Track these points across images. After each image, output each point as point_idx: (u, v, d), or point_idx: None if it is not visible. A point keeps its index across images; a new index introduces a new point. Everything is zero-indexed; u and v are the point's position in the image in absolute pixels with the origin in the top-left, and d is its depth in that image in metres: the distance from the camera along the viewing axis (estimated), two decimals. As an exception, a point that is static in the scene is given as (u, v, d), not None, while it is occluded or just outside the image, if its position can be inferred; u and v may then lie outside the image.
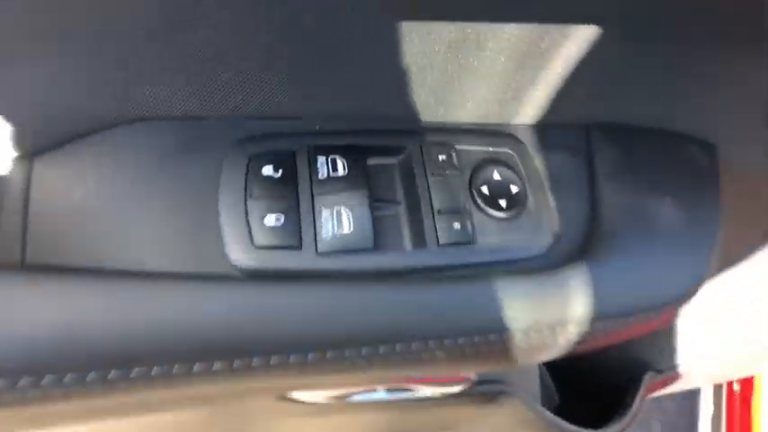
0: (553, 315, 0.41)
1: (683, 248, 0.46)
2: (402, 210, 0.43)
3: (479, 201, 0.43)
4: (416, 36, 0.37)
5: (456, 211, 0.42)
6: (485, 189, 0.43)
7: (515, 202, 0.43)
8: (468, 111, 0.45)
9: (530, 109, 0.46)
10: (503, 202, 0.43)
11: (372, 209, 0.40)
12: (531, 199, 0.44)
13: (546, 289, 0.41)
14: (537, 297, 0.40)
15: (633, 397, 0.86)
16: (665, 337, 0.77)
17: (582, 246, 0.44)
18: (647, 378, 0.88)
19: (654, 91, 0.46)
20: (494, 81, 0.43)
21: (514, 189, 0.44)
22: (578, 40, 0.40)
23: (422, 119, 0.45)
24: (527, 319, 0.40)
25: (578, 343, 0.45)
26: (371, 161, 0.43)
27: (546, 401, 0.91)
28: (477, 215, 0.43)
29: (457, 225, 0.41)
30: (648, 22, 0.39)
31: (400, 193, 0.43)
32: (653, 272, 0.44)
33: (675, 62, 0.43)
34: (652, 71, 0.44)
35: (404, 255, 0.40)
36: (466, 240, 0.41)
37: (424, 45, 0.38)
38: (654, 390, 0.96)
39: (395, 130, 0.44)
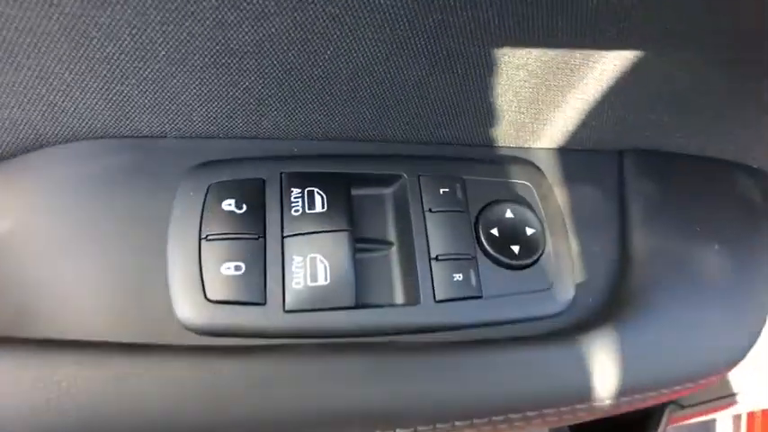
0: (574, 392, 0.33)
1: (735, 304, 0.38)
2: (393, 254, 0.35)
3: (487, 245, 0.35)
4: (415, 42, 0.30)
5: (458, 258, 0.34)
6: (495, 231, 0.36)
7: (531, 248, 0.36)
8: (478, 133, 0.38)
9: (552, 132, 0.38)
10: (515, 248, 0.36)
11: (355, 254, 0.33)
12: (549, 244, 0.37)
13: (566, 359, 0.33)
14: (555, 370, 0.33)
15: (652, 434, 0.79)
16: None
17: (610, 302, 0.37)
18: (668, 412, 0.80)
19: (701, 116, 0.38)
20: (510, 99, 0.35)
21: (530, 231, 0.36)
22: (617, 57, 0.32)
23: (421, 142, 0.38)
24: (542, 398, 0.33)
25: (602, 415, 0.37)
26: (357, 191, 0.36)
27: (555, 434, 0.84)
28: (483, 263, 0.35)
29: (458, 276, 0.34)
30: (696, 39, 0.32)
31: (392, 233, 0.36)
32: (697, 336, 0.36)
33: (728, 84, 0.36)
34: (700, 93, 0.36)
35: (392, 312, 0.33)
36: (469, 295, 0.34)
37: (426, 54, 0.31)
38: (674, 422, 0.89)
39: (388, 155, 0.37)
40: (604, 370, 0.34)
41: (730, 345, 0.38)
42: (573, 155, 0.40)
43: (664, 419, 0.80)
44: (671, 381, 0.36)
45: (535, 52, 0.31)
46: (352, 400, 0.29)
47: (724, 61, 0.34)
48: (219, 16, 0.27)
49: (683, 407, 0.81)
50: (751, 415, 1.21)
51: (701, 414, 0.81)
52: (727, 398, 0.81)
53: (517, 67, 0.32)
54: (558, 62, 0.32)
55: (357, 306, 0.32)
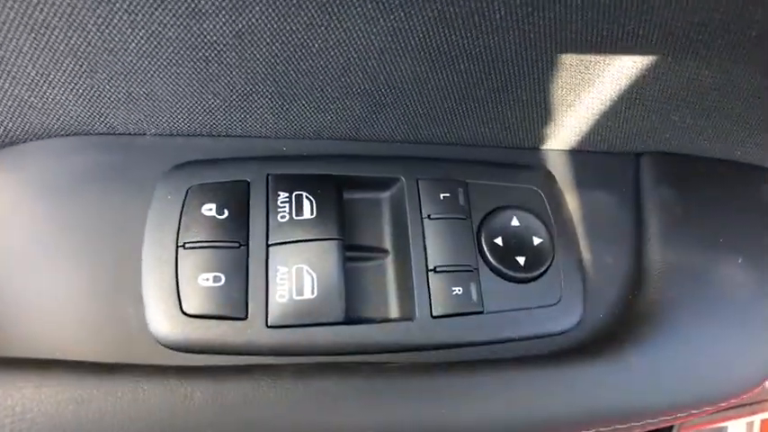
0: (580, 417, 0.31)
1: (759, 322, 0.35)
2: (388, 263, 0.33)
3: (490, 256, 0.32)
4: (412, 35, 0.27)
5: (458, 270, 0.32)
6: (499, 240, 0.33)
7: (538, 260, 0.33)
8: (482, 133, 0.35)
9: (564, 133, 0.35)
10: (521, 260, 0.33)
11: (345, 265, 0.30)
12: (558, 255, 0.34)
13: (573, 381, 0.31)
14: (560, 392, 0.30)
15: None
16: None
17: (623, 319, 0.34)
18: (678, 428, 0.78)
19: (728, 118, 0.35)
20: (518, 97, 0.32)
21: (537, 241, 0.33)
22: (637, 53, 0.29)
23: (421, 142, 0.35)
24: (545, 423, 0.30)
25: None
26: (351, 195, 0.33)
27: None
28: (486, 275, 0.32)
29: (458, 289, 0.31)
30: (725, 34, 0.28)
31: (387, 241, 0.33)
32: (717, 356, 0.34)
33: (758, 83, 0.32)
34: (727, 94, 0.33)
35: (384, 329, 0.30)
36: (469, 310, 0.31)
37: (424, 48, 0.28)
38: (689, 428, 0.86)
39: (385, 157, 0.34)
40: (614, 393, 0.31)
41: (753, 365, 0.35)
42: (586, 157, 0.37)
43: (675, 427, 0.77)
44: (687, 404, 0.33)
45: (546, 47, 0.28)
46: (336, 427, 0.27)
47: (754, 59, 0.31)
48: (192, 5, 0.24)
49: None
50: (765, 422, 1.18)
51: (713, 423, 0.78)
52: (743, 407, 0.78)
53: (526, 63, 0.29)
54: (571, 58, 0.29)
55: (346, 321, 0.30)
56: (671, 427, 0.77)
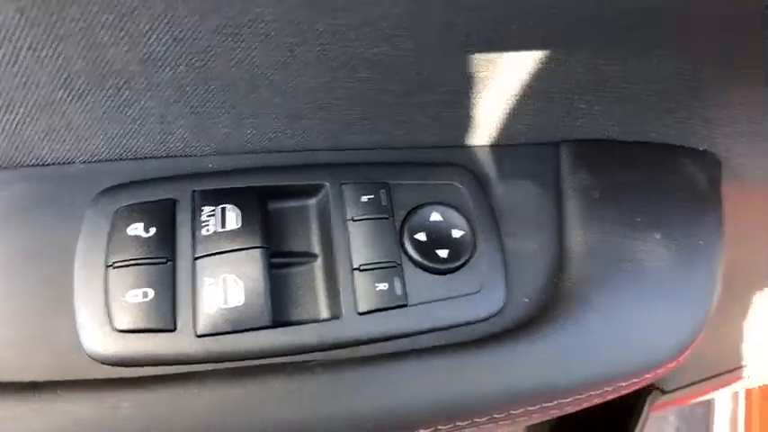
0: (508, 397, 0.32)
1: (678, 297, 0.37)
2: (317, 267, 0.34)
3: (413, 251, 0.34)
4: (308, 48, 0.29)
5: (381, 267, 0.33)
6: (421, 236, 0.34)
7: (459, 251, 0.35)
8: (399, 136, 0.36)
9: (479, 129, 0.37)
10: (443, 252, 0.34)
11: (271, 271, 0.32)
12: (480, 245, 0.35)
13: (497, 364, 0.32)
14: (486, 375, 0.32)
15: (635, 423, 0.78)
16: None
17: (547, 301, 0.36)
18: (651, 399, 0.79)
19: (634, 103, 0.37)
20: (425, 99, 0.34)
21: (457, 234, 0.35)
22: (529, 48, 0.31)
23: (343, 149, 0.36)
24: (473, 405, 0.32)
25: (547, 418, 0.36)
26: (279, 204, 0.35)
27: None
28: (410, 270, 0.34)
29: (382, 285, 0.33)
30: (601, 31, 0.30)
31: (316, 246, 0.35)
32: (639, 330, 0.35)
33: (659, 69, 0.34)
34: (629, 81, 0.35)
35: (312, 329, 0.32)
36: (393, 304, 0.33)
37: (323, 59, 0.29)
38: (661, 408, 0.87)
39: (309, 165, 0.36)
40: (540, 372, 0.33)
41: (674, 335, 0.36)
42: (507, 150, 0.39)
43: (646, 407, 0.78)
44: (612, 377, 0.35)
45: (440, 51, 0.30)
46: (264, 426, 0.28)
47: (639, 47, 0.32)
48: (92, 38, 0.26)
49: (664, 392, 0.79)
50: (749, 391, 1.20)
51: (685, 399, 0.80)
52: (715, 378, 0.79)
53: (425, 68, 0.31)
54: (468, 58, 0.31)
55: (275, 325, 0.31)
56: (642, 406, 0.79)
